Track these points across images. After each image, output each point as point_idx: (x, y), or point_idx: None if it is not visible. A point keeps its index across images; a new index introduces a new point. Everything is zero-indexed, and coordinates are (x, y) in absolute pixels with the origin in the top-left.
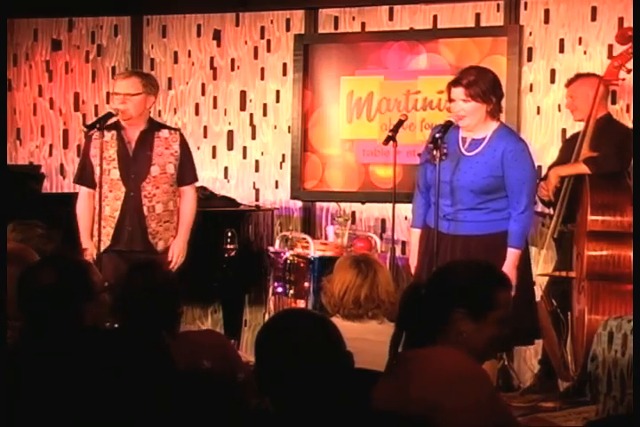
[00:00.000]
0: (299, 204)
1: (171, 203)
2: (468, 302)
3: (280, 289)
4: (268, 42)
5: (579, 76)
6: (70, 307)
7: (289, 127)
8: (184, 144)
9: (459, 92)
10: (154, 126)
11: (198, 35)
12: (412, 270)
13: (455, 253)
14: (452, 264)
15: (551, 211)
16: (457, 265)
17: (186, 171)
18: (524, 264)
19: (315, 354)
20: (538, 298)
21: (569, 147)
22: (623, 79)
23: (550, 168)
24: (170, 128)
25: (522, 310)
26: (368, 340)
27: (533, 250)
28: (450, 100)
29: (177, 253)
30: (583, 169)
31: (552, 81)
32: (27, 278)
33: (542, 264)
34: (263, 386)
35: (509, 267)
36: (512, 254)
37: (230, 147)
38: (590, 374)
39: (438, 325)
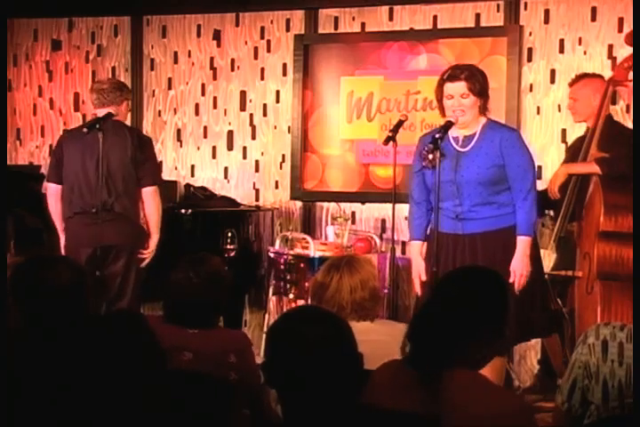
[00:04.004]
0: (299, 204)
1: None
2: None
3: (280, 289)
4: (268, 42)
5: (583, 76)
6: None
7: (289, 127)
8: None
9: (459, 86)
10: None
11: (198, 35)
12: (418, 284)
13: (476, 253)
14: None
15: (550, 211)
16: None
17: None
18: (535, 253)
19: (327, 352)
20: None
21: (575, 149)
22: (631, 80)
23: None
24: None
25: (536, 301)
26: None
27: None
28: (443, 97)
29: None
30: (594, 169)
31: (552, 81)
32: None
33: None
34: (272, 380)
35: (521, 255)
36: (522, 242)
37: (230, 147)
38: (576, 382)
39: None
